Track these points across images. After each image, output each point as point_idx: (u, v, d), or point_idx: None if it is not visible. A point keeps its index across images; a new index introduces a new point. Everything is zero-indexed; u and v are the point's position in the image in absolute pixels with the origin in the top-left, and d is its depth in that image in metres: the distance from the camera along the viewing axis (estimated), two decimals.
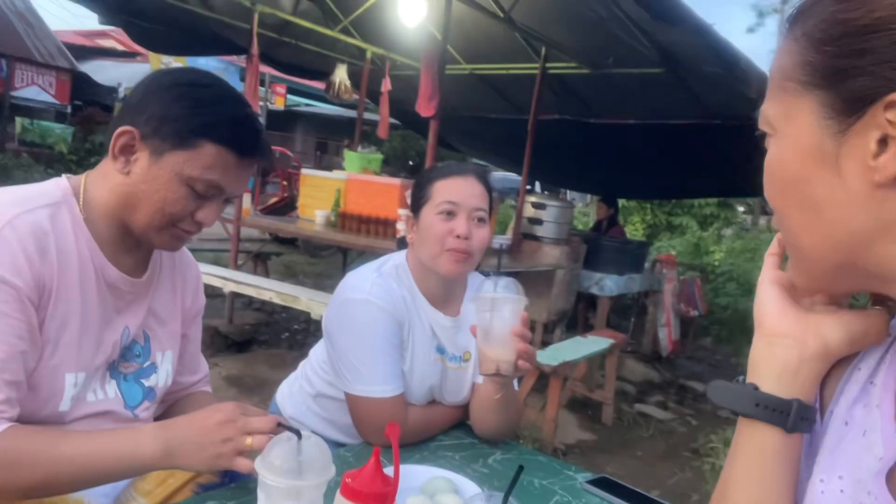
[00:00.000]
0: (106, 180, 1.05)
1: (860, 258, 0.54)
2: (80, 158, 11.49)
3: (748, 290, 8.66)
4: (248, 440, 0.97)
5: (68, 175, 1.09)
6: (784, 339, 0.60)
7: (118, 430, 1.04)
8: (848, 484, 0.57)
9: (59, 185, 1.05)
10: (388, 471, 0.87)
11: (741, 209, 15.11)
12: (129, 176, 1.02)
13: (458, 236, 1.35)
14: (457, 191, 1.38)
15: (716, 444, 3.80)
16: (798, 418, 0.59)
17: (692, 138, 5.32)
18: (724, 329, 7.33)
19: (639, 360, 5.61)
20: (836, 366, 0.64)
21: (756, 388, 0.60)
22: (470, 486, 1.16)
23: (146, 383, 1.16)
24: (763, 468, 0.60)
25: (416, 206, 1.43)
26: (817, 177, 0.54)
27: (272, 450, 0.87)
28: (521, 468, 0.77)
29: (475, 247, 1.37)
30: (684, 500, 3.14)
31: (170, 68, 1.13)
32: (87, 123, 12.30)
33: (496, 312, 1.16)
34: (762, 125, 0.59)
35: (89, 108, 12.74)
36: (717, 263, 9.91)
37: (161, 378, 1.18)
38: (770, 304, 0.62)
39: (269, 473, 0.84)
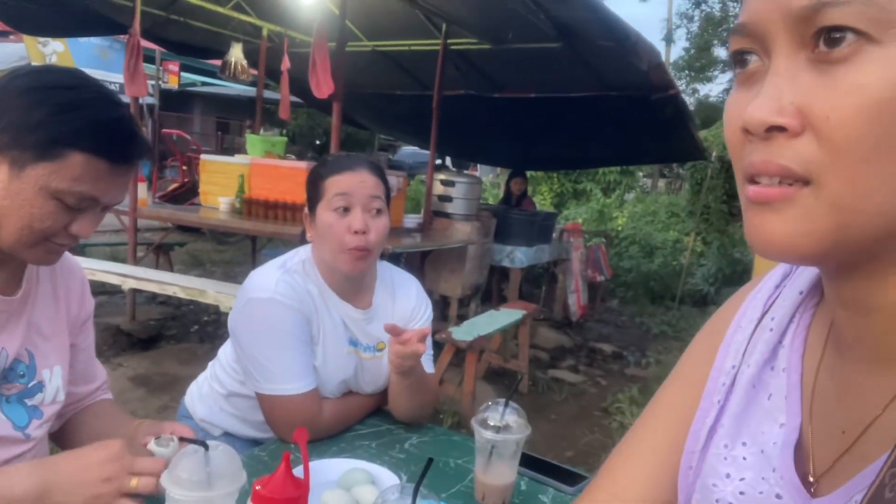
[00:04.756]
0: None
1: None
2: None
3: (649, 251, 9.17)
4: (134, 481, 0.90)
5: None
6: None
7: None
8: (752, 452, 0.55)
9: None
10: (300, 471, 0.87)
11: (641, 174, 15.90)
12: None
13: (355, 232, 1.33)
14: (348, 184, 1.35)
15: (622, 402, 4.02)
16: None
17: (591, 110, 5.50)
18: (629, 291, 7.72)
19: (551, 327, 5.82)
20: (743, 324, 0.61)
21: None
22: (387, 475, 1.18)
23: (30, 402, 1.08)
24: None
25: (311, 204, 1.40)
26: None
27: (179, 463, 0.85)
28: (430, 461, 0.78)
29: (373, 240, 1.35)
30: (595, 459, 3.31)
31: (25, 68, 1.00)
32: None
33: (496, 455, 1.14)
34: (856, 19, 0.37)
35: None
36: (620, 228, 10.39)
37: (49, 395, 1.10)
38: None
39: (176, 488, 0.82)
